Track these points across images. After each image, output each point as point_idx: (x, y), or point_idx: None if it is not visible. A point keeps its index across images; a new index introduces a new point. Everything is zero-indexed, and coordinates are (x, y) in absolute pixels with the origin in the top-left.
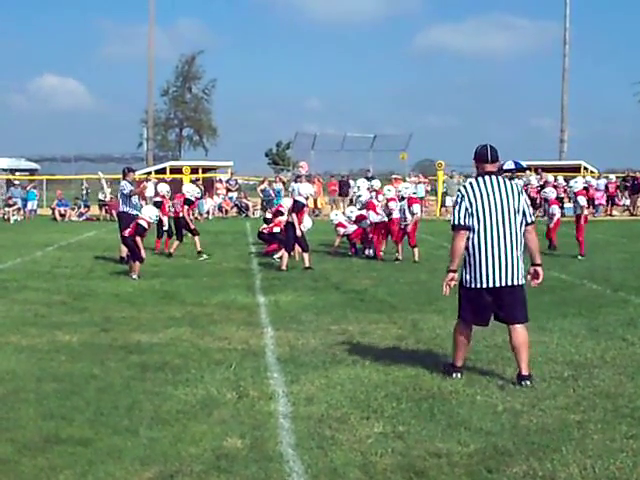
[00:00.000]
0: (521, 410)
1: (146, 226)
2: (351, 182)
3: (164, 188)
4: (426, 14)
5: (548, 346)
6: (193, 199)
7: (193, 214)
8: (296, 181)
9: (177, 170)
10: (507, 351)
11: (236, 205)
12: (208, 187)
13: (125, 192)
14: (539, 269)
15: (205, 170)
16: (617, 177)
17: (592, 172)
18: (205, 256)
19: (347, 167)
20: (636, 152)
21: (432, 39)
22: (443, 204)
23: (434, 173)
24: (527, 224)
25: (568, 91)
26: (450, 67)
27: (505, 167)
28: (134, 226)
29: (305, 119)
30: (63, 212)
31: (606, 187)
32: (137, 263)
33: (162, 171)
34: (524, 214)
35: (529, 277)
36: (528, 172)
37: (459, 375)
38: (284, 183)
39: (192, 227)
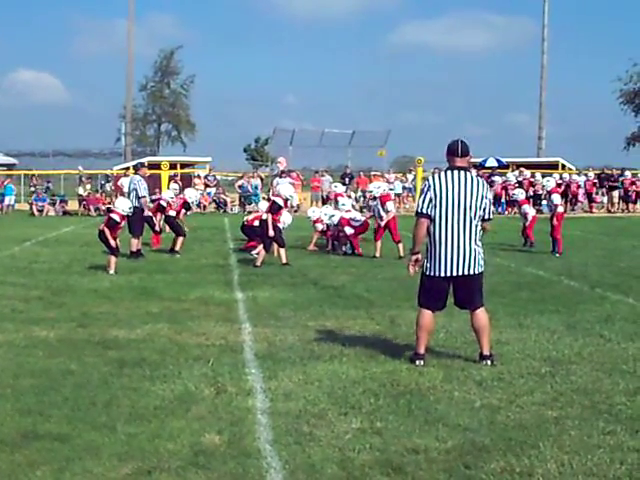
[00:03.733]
0: (498, 406)
1: (118, 219)
2: (324, 178)
3: (169, 195)
4: (402, 10)
5: (526, 342)
6: (191, 205)
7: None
8: (281, 176)
9: (155, 165)
10: None
11: (214, 201)
12: (186, 183)
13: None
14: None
15: (183, 166)
16: (595, 174)
17: (570, 169)
18: (178, 255)
19: (325, 163)
20: (613, 149)
21: (408, 36)
22: None
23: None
24: (484, 219)
25: (546, 88)
26: (427, 64)
27: (487, 164)
28: (106, 219)
29: (283, 115)
30: (41, 207)
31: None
32: (112, 257)
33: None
34: (484, 211)
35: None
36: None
37: (422, 362)
38: (262, 179)
39: (183, 229)
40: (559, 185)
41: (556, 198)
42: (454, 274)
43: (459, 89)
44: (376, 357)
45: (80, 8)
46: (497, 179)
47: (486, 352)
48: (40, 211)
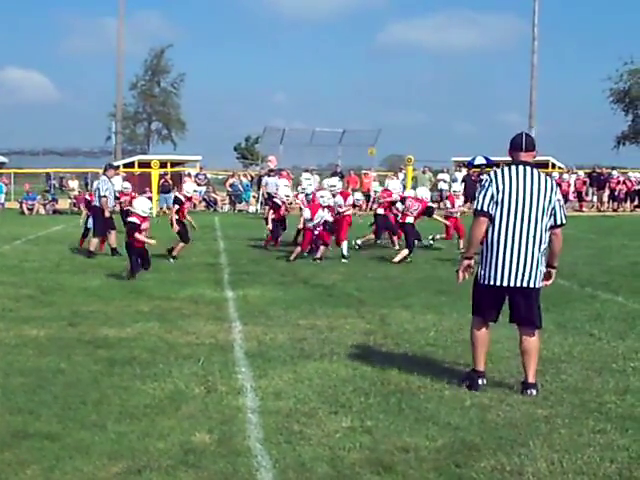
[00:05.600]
0: (489, 405)
1: (138, 222)
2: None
3: (190, 188)
4: (391, 9)
5: (515, 341)
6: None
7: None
8: (269, 175)
9: (146, 164)
10: None
11: (204, 199)
12: (176, 181)
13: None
14: (553, 272)
15: (174, 164)
16: (585, 173)
17: (560, 168)
18: (172, 261)
19: (316, 162)
20: (603, 148)
21: (397, 34)
22: None
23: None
24: (555, 226)
25: (537, 87)
26: (416, 62)
27: (476, 162)
28: (127, 228)
29: (273, 114)
30: (31, 206)
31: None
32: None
33: (131, 165)
34: (554, 214)
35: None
36: (495, 167)
37: (484, 381)
38: (252, 178)
39: (187, 235)
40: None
41: None
42: (510, 284)
43: (449, 88)
44: (366, 356)
45: (69, 7)
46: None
47: (532, 380)
48: (30, 209)
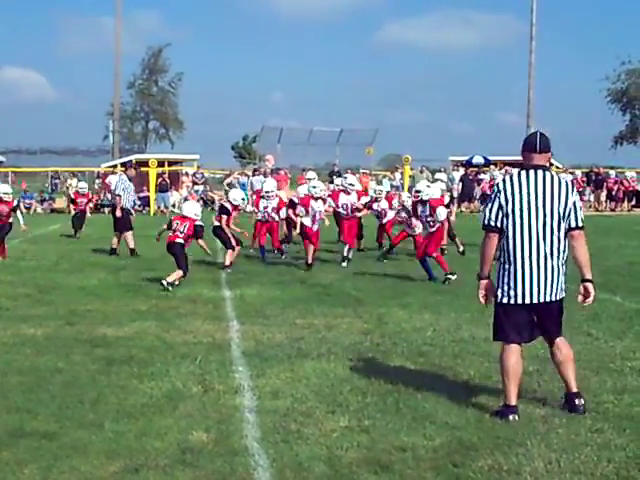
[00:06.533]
0: (486, 404)
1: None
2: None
3: (238, 195)
4: (389, 8)
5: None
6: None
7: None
8: (254, 175)
9: (143, 163)
10: (473, 346)
11: (202, 198)
12: (174, 180)
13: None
14: (589, 286)
15: (171, 163)
16: (583, 172)
17: (557, 167)
18: (228, 271)
19: (313, 161)
20: (601, 148)
21: (395, 34)
22: None
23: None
24: (571, 228)
25: (534, 87)
26: (414, 62)
27: (474, 161)
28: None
29: (270, 113)
30: (28, 205)
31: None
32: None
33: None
34: (569, 216)
35: (580, 297)
36: (492, 167)
37: (516, 417)
38: (249, 177)
39: (230, 241)
40: None
41: None
42: (534, 301)
43: (446, 87)
44: (364, 355)
45: (66, 6)
46: (485, 177)
47: (575, 389)
48: (27, 209)
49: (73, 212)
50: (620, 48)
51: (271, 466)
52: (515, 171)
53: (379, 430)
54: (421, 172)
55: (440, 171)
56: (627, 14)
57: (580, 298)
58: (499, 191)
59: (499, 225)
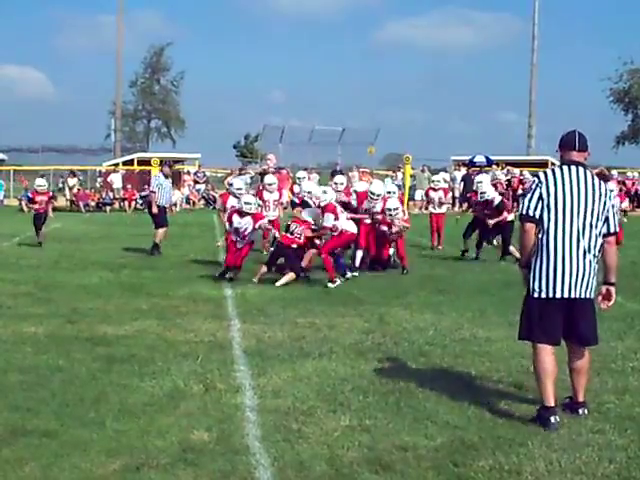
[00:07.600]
0: (487, 404)
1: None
2: (311, 176)
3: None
4: (389, 7)
5: (515, 341)
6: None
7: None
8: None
9: (145, 162)
10: (474, 345)
11: (203, 197)
12: (176, 179)
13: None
14: (612, 289)
15: (173, 162)
16: None
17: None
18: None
19: (315, 160)
20: (603, 148)
21: (395, 33)
22: (412, 198)
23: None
24: (608, 234)
25: (536, 86)
26: (415, 61)
27: (476, 161)
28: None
29: (271, 112)
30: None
31: None
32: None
33: (130, 162)
34: (607, 221)
35: (599, 298)
36: (494, 167)
37: (557, 419)
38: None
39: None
40: None
41: None
42: (571, 295)
43: (448, 86)
44: (365, 355)
45: (68, 4)
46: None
47: (582, 398)
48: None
49: (33, 212)
50: (622, 48)
51: (272, 465)
52: (556, 166)
53: (380, 429)
54: (422, 172)
55: (445, 171)
56: (630, 14)
57: (600, 299)
58: (540, 182)
59: (537, 215)
